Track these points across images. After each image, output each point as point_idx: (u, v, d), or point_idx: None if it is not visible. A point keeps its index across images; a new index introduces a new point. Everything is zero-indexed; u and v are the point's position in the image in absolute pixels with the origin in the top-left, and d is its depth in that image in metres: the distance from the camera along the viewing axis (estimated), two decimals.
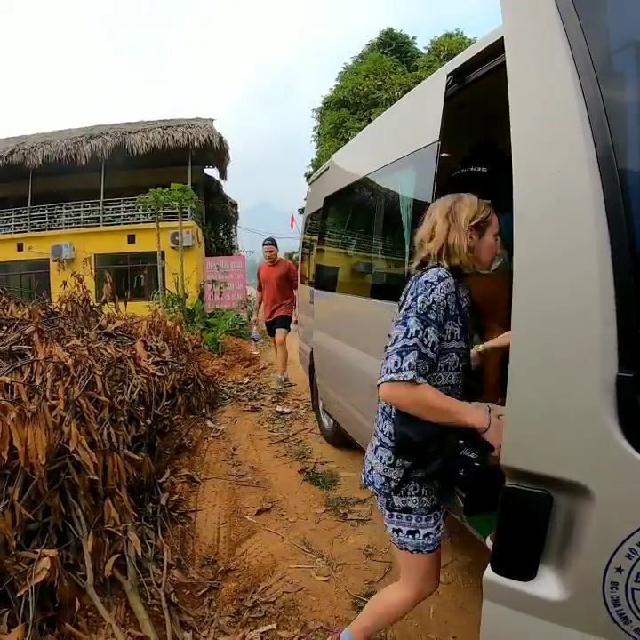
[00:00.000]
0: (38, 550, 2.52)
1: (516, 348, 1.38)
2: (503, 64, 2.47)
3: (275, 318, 7.90)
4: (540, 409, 1.35)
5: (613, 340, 1.20)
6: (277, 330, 7.80)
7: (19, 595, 2.36)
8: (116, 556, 2.92)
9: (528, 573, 1.38)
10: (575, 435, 1.28)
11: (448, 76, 2.85)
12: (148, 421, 4.37)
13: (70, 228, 22.18)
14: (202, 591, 3.07)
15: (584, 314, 1.24)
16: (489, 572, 1.47)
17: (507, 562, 1.44)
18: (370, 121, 18.87)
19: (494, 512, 1.43)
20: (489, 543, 2.55)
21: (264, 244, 7.90)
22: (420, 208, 3.16)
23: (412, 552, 2.03)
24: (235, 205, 27.51)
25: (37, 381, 3.26)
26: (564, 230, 1.30)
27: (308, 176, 24.75)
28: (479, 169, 3.47)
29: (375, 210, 3.98)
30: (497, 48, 2.48)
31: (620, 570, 1.24)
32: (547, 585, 1.35)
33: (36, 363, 3.43)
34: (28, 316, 5.06)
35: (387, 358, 1.81)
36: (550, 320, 1.32)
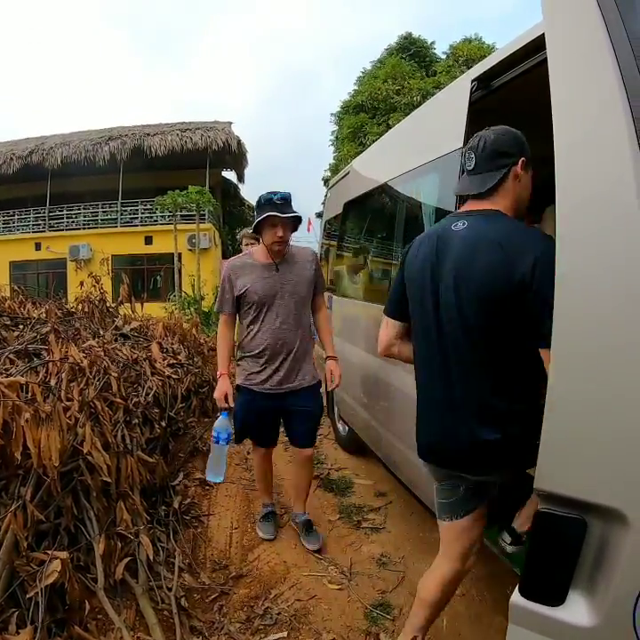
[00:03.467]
0: (49, 551, 2.50)
1: (556, 371, 1.35)
2: (528, 70, 2.46)
3: None
4: (577, 433, 1.32)
5: None
6: None
7: (29, 596, 2.35)
8: (128, 558, 2.90)
9: (557, 599, 1.34)
10: (614, 460, 1.25)
11: (472, 81, 2.82)
12: (163, 424, 4.35)
13: (88, 228, 22.43)
14: (212, 596, 3.05)
15: (633, 342, 1.20)
16: (516, 596, 1.42)
17: (536, 586, 1.40)
18: (388, 126, 18.90)
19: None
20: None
21: None
22: (442, 215, 3.13)
23: None
24: (252, 208, 27.57)
25: (52, 382, 3.25)
26: (611, 247, 1.26)
27: (325, 180, 24.78)
28: None
29: (396, 216, 3.94)
30: (522, 54, 2.45)
31: None
32: (576, 611, 1.32)
33: (51, 363, 3.42)
34: (44, 315, 5.06)
35: None
36: (594, 347, 1.28)
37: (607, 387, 1.26)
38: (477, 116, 2.83)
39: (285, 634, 2.74)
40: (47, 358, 3.49)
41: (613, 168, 1.28)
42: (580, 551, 1.31)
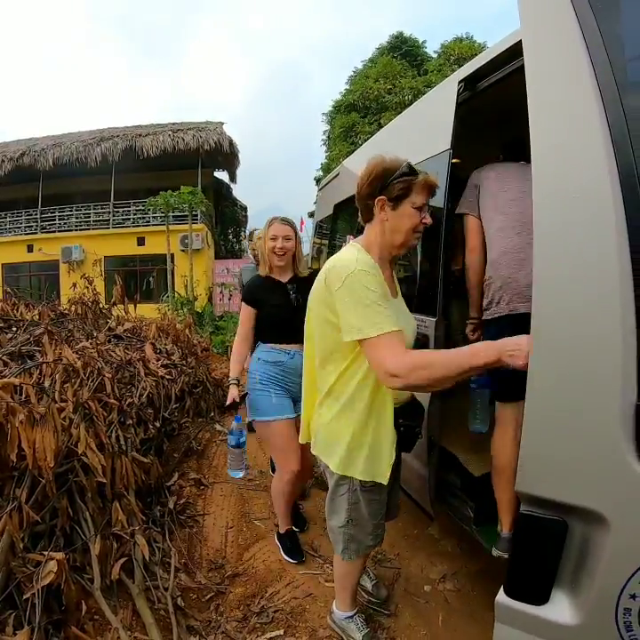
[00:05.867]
0: (45, 553, 2.50)
1: (533, 372, 1.37)
2: (515, 71, 2.48)
3: None
4: (557, 436, 1.34)
5: (634, 369, 1.19)
6: None
7: (25, 597, 2.35)
8: (124, 559, 2.91)
9: (541, 598, 1.38)
10: (592, 463, 1.27)
11: (459, 83, 2.84)
12: (157, 424, 4.36)
13: (80, 229, 22.29)
14: (209, 596, 3.06)
15: (605, 341, 1.23)
16: (501, 596, 1.48)
17: (520, 586, 1.44)
18: (380, 125, 18.90)
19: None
20: (496, 553, 2.54)
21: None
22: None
23: None
24: (244, 208, 27.59)
25: (46, 383, 3.25)
26: (584, 251, 1.29)
27: (317, 179, 24.77)
28: None
29: None
30: (509, 55, 2.48)
31: (633, 596, 1.24)
32: (560, 609, 1.35)
33: (45, 364, 3.42)
34: (37, 317, 5.05)
35: None
36: (570, 346, 1.30)
37: (581, 391, 1.28)
38: (465, 117, 2.85)
39: (282, 632, 2.76)
40: (41, 360, 3.49)
41: (589, 171, 1.31)
42: (561, 552, 1.34)
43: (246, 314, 3.39)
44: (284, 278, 3.37)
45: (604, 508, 1.25)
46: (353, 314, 1.93)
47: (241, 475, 3.34)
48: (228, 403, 3.30)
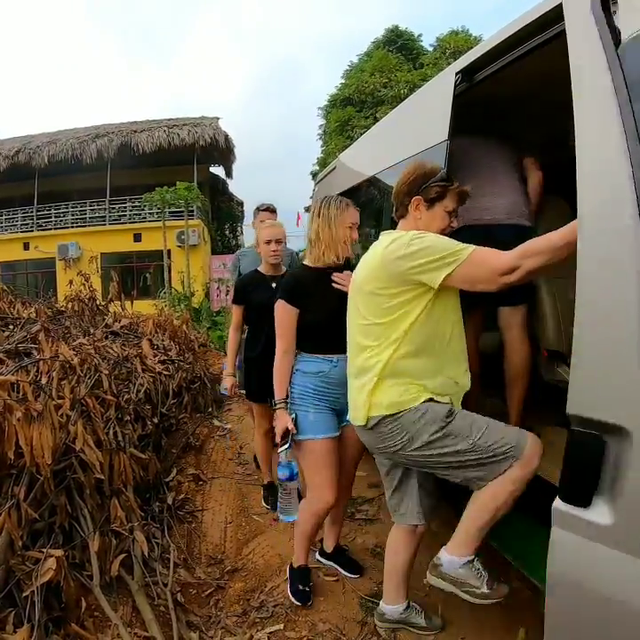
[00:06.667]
0: (44, 550, 2.51)
1: (579, 318, 1.61)
2: (512, 62, 2.48)
3: None
4: (596, 364, 1.59)
5: None
6: None
7: (24, 595, 2.35)
8: (123, 555, 2.91)
9: (585, 502, 1.59)
10: (620, 386, 1.52)
11: (456, 74, 2.83)
12: (155, 420, 4.36)
13: (76, 227, 22.28)
14: (208, 591, 3.06)
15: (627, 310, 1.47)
16: (557, 502, 1.65)
17: (570, 492, 1.65)
18: (376, 119, 18.87)
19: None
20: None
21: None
22: None
23: None
24: (241, 204, 27.54)
25: (43, 380, 3.25)
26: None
27: (313, 174, 24.75)
28: None
29: (383, 210, 3.94)
30: (506, 46, 2.47)
31: None
32: (600, 512, 1.56)
33: (42, 362, 3.42)
34: (34, 314, 5.05)
35: None
36: (606, 304, 1.55)
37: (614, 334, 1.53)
38: (462, 109, 2.84)
39: (282, 626, 2.76)
40: (38, 357, 3.49)
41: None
42: (601, 463, 1.56)
43: (290, 317, 2.84)
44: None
45: (628, 424, 1.47)
46: (436, 252, 2.06)
47: (295, 517, 2.89)
48: (278, 432, 2.76)
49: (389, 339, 2.21)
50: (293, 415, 2.78)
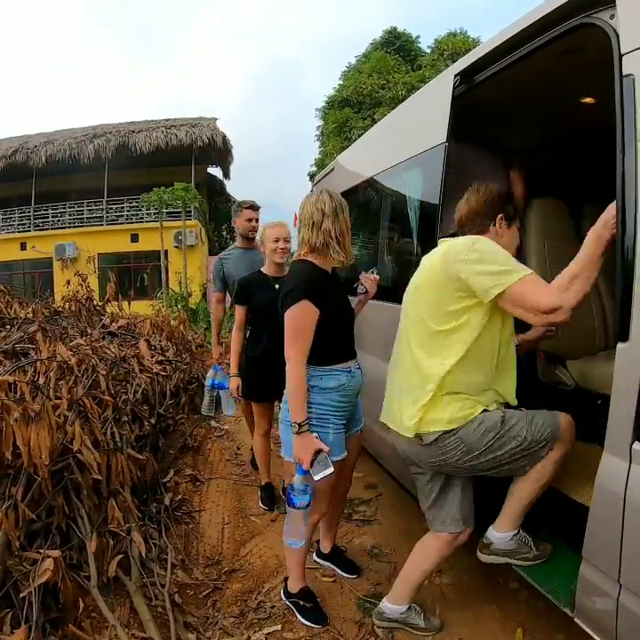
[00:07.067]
0: (42, 551, 2.51)
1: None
2: (511, 65, 2.49)
3: None
4: None
5: None
6: None
7: (22, 595, 2.35)
8: (120, 556, 2.91)
9: None
10: None
11: (455, 76, 2.83)
12: (152, 421, 4.35)
13: (73, 227, 22.27)
14: (206, 592, 3.05)
15: None
16: (637, 444, 1.75)
17: None
18: (373, 120, 18.88)
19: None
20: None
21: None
22: (426, 210, 3.14)
23: None
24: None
25: (41, 381, 3.25)
26: None
27: (311, 175, 24.73)
28: None
29: (381, 211, 3.95)
30: (505, 48, 2.48)
31: None
32: None
33: (39, 362, 3.41)
34: (31, 315, 5.04)
35: None
36: None
37: None
38: (460, 111, 2.84)
39: (279, 627, 2.75)
40: (35, 357, 3.49)
41: None
42: None
43: (313, 320, 2.48)
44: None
45: None
46: (491, 267, 2.07)
47: (303, 543, 2.65)
48: (306, 460, 2.39)
49: (450, 349, 2.21)
50: (314, 434, 2.47)
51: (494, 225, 2.34)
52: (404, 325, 2.49)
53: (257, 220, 4.43)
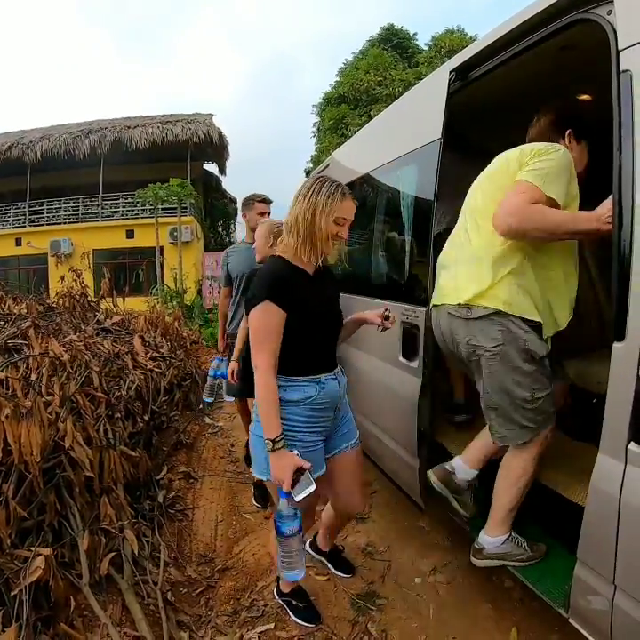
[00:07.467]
0: (33, 548, 2.49)
1: None
2: (506, 61, 2.48)
3: None
4: None
5: None
6: None
7: (13, 594, 2.34)
8: (112, 554, 2.90)
9: None
10: None
11: (451, 72, 2.82)
12: (146, 417, 4.34)
13: (69, 223, 22.19)
14: (199, 590, 3.04)
15: None
16: (632, 445, 1.74)
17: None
18: (370, 117, 18.86)
19: None
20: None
21: None
22: (421, 206, 3.12)
23: None
24: (234, 201, 27.50)
25: (33, 377, 3.23)
26: None
27: (307, 172, 24.72)
28: None
29: (376, 208, 3.93)
30: (501, 45, 2.46)
31: None
32: None
33: (31, 358, 3.39)
34: (25, 310, 5.02)
35: None
36: None
37: None
38: (456, 107, 2.83)
39: (272, 625, 2.74)
40: (27, 353, 3.46)
41: None
42: None
43: (277, 321, 2.18)
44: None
45: None
46: (543, 164, 2.13)
47: (302, 575, 2.28)
48: (285, 479, 2.10)
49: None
50: (295, 451, 2.19)
51: (564, 139, 2.37)
52: (471, 206, 2.48)
53: (269, 215, 4.31)
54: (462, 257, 2.41)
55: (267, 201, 4.35)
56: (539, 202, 2.06)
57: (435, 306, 2.55)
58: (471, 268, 2.31)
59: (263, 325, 2.16)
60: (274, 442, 2.11)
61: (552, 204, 2.09)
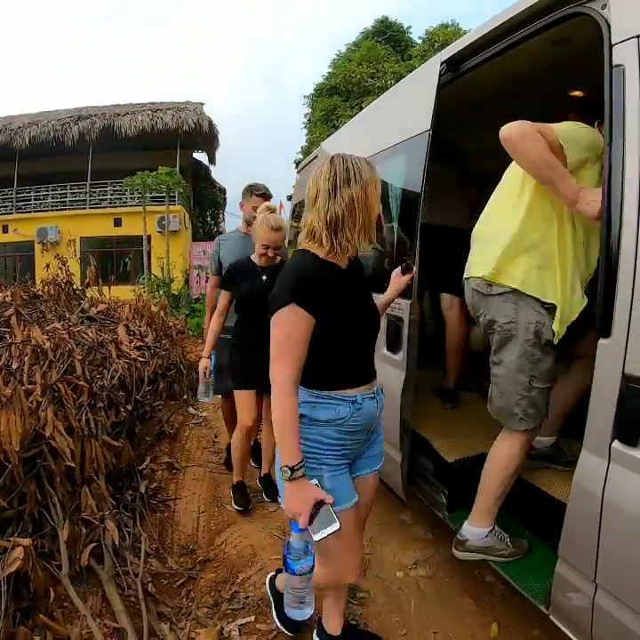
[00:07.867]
0: (12, 539, 2.46)
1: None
2: (497, 54, 2.47)
3: None
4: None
5: None
6: None
7: None
8: (93, 544, 2.87)
9: (635, 442, 1.69)
10: None
11: (442, 64, 2.81)
12: (129, 407, 4.31)
13: (56, 210, 21.99)
14: (180, 581, 3.02)
15: None
16: (616, 443, 1.75)
17: (625, 434, 1.73)
18: (361, 109, 18.78)
19: None
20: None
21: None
22: (410, 196, 3.11)
23: None
24: (223, 191, 27.40)
25: (14, 365, 3.19)
26: None
27: (297, 162, 24.62)
28: None
29: None
30: (493, 37, 2.46)
31: None
32: None
33: (13, 346, 3.35)
34: (9, 298, 4.97)
35: None
36: None
37: None
38: (446, 99, 2.82)
39: (253, 618, 2.73)
40: (9, 341, 3.42)
41: None
42: None
43: (304, 328, 1.82)
44: None
45: None
46: (574, 127, 2.26)
47: (310, 613, 1.88)
48: (304, 511, 1.73)
49: (552, 217, 2.26)
50: (314, 481, 1.84)
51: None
52: (500, 184, 2.53)
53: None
54: (488, 233, 2.49)
55: (266, 196, 4.13)
56: (550, 143, 2.12)
57: (465, 278, 2.61)
58: (492, 245, 2.38)
59: (287, 333, 1.81)
60: (292, 469, 1.76)
61: (561, 159, 2.15)
